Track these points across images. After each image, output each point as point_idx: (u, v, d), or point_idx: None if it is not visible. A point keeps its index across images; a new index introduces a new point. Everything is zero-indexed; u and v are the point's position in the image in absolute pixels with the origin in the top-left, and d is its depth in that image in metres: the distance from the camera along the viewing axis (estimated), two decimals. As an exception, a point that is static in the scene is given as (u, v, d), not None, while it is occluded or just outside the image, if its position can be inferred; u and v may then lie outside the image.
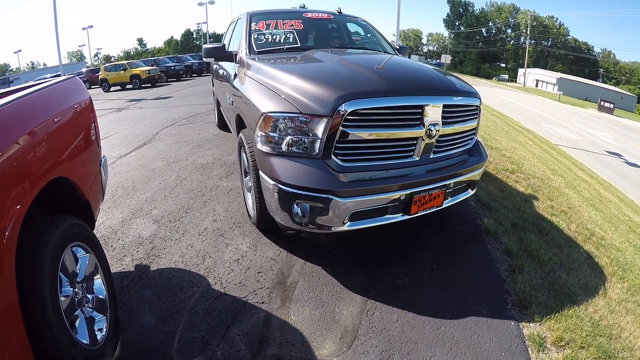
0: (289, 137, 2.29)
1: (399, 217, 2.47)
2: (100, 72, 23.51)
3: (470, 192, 2.98)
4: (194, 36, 79.66)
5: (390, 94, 2.33)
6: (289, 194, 2.25)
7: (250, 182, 2.88)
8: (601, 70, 78.66)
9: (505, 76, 79.68)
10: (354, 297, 2.47)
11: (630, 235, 5.79)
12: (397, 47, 4.39)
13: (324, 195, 2.18)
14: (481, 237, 3.35)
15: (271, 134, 2.35)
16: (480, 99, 2.87)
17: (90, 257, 1.91)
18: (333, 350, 2.07)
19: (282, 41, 3.70)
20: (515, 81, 75.29)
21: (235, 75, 3.54)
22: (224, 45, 3.88)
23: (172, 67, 24.18)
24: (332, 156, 2.27)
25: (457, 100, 2.63)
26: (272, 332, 2.17)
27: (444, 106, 2.48)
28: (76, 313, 1.69)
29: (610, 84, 70.94)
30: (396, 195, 2.35)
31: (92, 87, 25.96)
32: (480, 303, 2.50)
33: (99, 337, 1.78)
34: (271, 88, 2.57)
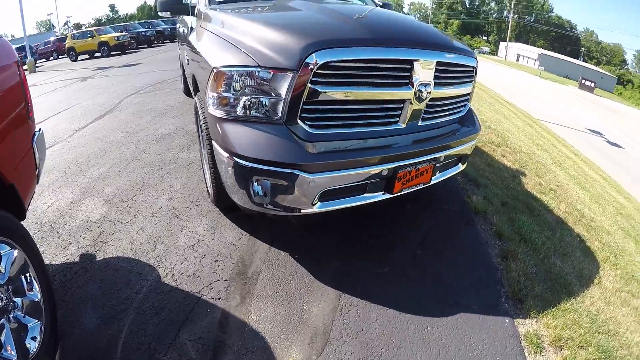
0: (245, 98, 1.82)
1: (379, 196, 2.08)
2: (67, 41, 22.23)
3: (461, 167, 2.63)
4: (169, 1, 75.97)
5: (373, 44, 1.88)
6: (246, 168, 1.81)
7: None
8: (583, 49, 79.34)
9: (487, 49, 79.27)
10: (325, 290, 2.11)
11: (617, 217, 5.70)
12: (381, 3, 3.91)
13: (288, 170, 1.76)
14: (470, 216, 3.05)
15: (224, 94, 1.88)
16: (477, 59, 2.48)
17: (18, 253, 1.56)
18: (300, 359, 1.71)
19: None
20: (497, 55, 75.02)
21: (192, 29, 3.02)
22: None
23: (143, 33, 23.06)
24: (299, 121, 1.82)
25: (453, 58, 2.22)
26: (229, 336, 1.81)
27: (437, 63, 2.07)
28: (0, 322, 1.38)
29: (591, 64, 71.54)
30: (377, 170, 1.94)
31: (60, 56, 24.68)
32: (471, 296, 2.21)
33: (31, 349, 1.49)
34: (229, 40, 2.09)
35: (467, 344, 1.89)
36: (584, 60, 73.32)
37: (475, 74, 2.54)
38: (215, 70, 1.91)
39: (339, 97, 1.84)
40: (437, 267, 2.39)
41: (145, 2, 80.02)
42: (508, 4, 76.79)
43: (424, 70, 2.00)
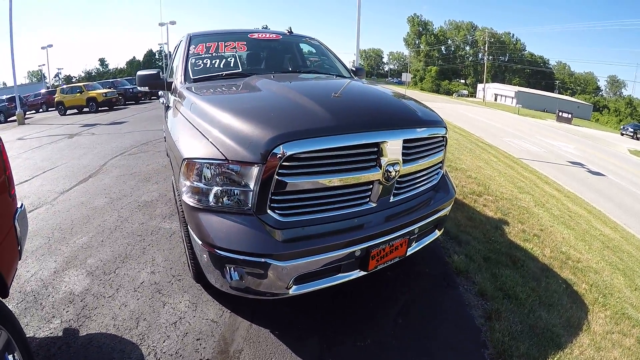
0: (216, 189, 1.87)
1: (355, 274, 2.09)
2: (56, 95, 22.38)
3: (437, 233, 2.63)
4: (157, 57, 78.37)
5: (338, 132, 1.89)
6: (219, 257, 1.84)
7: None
8: (557, 81, 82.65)
9: (465, 92, 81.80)
10: (307, 367, 2.08)
11: (604, 252, 5.72)
12: (353, 68, 4.08)
13: (260, 260, 1.78)
14: (452, 278, 3.04)
15: (196, 184, 1.92)
16: (446, 127, 2.50)
17: (2, 333, 1.53)
18: None
19: (221, 66, 3.24)
20: (475, 96, 77.60)
21: (168, 107, 3.13)
22: (159, 72, 3.41)
23: (130, 90, 23.53)
24: (268, 211, 1.86)
25: (421, 132, 2.24)
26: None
27: (405, 141, 2.10)
28: None
29: (567, 95, 74.44)
30: (349, 251, 1.96)
31: (49, 109, 24.92)
32: (453, 362, 2.17)
33: None
34: (199, 128, 2.14)
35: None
36: (559, 92, 76.23)
37: (446, 141, 2.55)
38: (186, 161, 1.97)
39: (307, 186, 1.87)
40: (419, 335, 2.37)
41: (134, 57, 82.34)
42: (482, 47, 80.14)
43: (391, 150, 2.02)
